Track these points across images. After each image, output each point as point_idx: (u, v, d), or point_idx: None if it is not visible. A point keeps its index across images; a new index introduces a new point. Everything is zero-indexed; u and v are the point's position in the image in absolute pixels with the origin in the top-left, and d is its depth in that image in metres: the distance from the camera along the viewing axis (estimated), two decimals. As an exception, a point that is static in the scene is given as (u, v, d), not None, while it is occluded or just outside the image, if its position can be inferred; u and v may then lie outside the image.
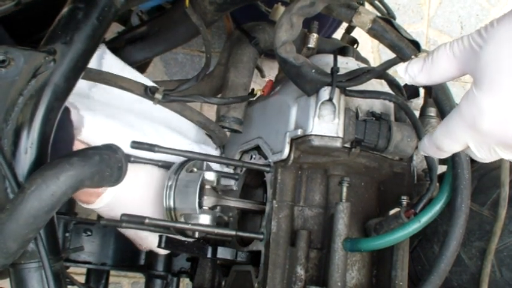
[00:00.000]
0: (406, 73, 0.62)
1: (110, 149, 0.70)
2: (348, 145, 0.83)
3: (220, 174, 0.94)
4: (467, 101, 0.53)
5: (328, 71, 0.85)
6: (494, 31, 0.51)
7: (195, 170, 0.92)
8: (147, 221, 0.85)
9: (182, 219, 0.90)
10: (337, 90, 0.83)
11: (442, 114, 0.80)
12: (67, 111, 0.81)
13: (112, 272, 1.36)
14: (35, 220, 0.63)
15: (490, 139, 0.53)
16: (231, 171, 1.02)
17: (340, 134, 0.82)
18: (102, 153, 0.69)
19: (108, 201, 0.90)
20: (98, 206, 0.90)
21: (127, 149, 0.86)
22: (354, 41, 1.12)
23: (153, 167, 0.96)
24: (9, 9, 0.85)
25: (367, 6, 0.99)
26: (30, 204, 0.62)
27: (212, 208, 0.91)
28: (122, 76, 0.90)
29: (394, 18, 0.98)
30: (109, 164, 0.69)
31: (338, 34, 1.60)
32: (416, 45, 0.81)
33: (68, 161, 0.65)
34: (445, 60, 0.57)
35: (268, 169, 0.91)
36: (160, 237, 0.86)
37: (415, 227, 0.79)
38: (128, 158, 0.91)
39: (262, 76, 1.41)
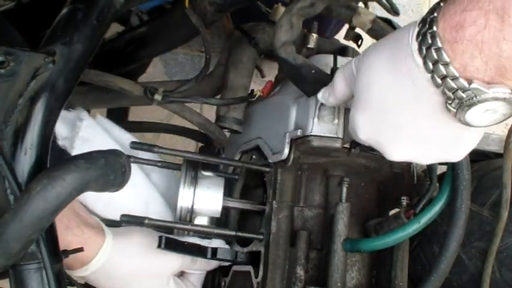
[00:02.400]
0: (322, 97, 0.74)
1: (114, 154, 0.70)
2: (347, 145, 0.83)
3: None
4: (350, 117, 0.64)
5: (328, 71, 0.85)
6: (363, 61, 0.60)
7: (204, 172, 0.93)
8: (147, 221, 0.85)
9: (199, 221, 0.90)
10: (337, 91, 0.83)
11: None
12: None
13: (112, 272, 1.36)
14: (40, 221, 0.63)
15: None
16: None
17: (340, 135, 0.82)
18: (107, 157, 0.69)
19: (95, 269, 0.81)
20: (82, 273, 0.82)
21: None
22: (358, 37, 1.11)
23: (150, 231, 0.89)
24: (9, 9, 0.85)
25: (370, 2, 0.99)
26: (36, 204, 0.62)
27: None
28: (121, 78, 0.90)
29: (398, 14, 0.98)
30: (114, 168, 0.69)
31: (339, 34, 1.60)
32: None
33: (74, 163, 0.65)
34: (340, 83, 0.68)
35: (268, 169, 0.91)
36: (160, 237, 0.86)
37: (414, 227, 0.79)
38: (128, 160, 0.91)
39: (262, 76, 1.42)
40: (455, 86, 0.51)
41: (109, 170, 0.68)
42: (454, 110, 0.53)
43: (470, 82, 0.50)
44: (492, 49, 0.47)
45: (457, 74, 0.50)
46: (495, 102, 0.50)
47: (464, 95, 0.51)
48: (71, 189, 0.64)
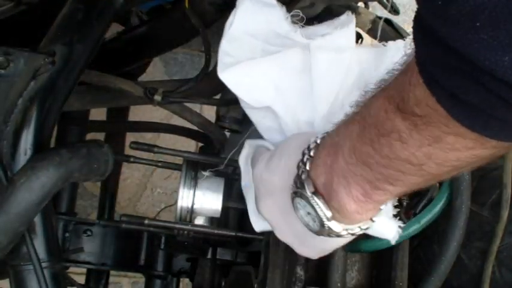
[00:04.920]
0: None
1: (96, 144, 0.71)
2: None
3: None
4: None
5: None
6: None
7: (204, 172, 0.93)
8: (146, 221, 0.85)
9: (199, 221, 0.90)
10: (337, 91, 0.83)
11: None
12: None
13: (112, 272, 1.37)
14: (26, 212, 0.63)
15: None
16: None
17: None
18: (89, 146, 0.69)
19: None
20: None
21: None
22: (359, 36, 1.11)
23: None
24: (9, 9, 0.85)
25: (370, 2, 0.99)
26: (21, 196, 0.62)
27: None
28: (121, 78, 0.90)
29: (398, 13, 0.98)
30: (96, 157, 0.70)
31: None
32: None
33: (57, 153, 0.65)
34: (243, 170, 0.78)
35: (268, 169, 0.91)
36: (160, 237, 0.86)
37: (414, 227, 0.79)
38: (127, 159, 0.91)
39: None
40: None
41: (92, 159, 0.69)
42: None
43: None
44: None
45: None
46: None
47: None
48: (56, 178, 0.64)
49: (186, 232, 0.91)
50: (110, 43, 1.11)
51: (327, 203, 0.55)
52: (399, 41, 0.77)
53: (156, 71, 1.99)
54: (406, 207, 0.82)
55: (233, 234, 0.90)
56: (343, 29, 0.73)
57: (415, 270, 0.94)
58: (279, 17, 0.71)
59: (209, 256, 0.92)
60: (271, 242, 0.86)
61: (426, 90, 0.39)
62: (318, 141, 0.58)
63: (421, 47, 0.39)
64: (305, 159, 0.58)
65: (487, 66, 0.33)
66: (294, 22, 0.74)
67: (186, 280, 1.32)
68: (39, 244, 0.69)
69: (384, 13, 0.99)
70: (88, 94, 1.04)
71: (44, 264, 0.68)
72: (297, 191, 0.58)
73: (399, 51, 0.72)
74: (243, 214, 1.02)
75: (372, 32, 0.90)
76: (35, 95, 0.68)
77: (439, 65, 0.37)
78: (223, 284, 1.03)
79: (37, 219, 0.69)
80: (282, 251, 0.87)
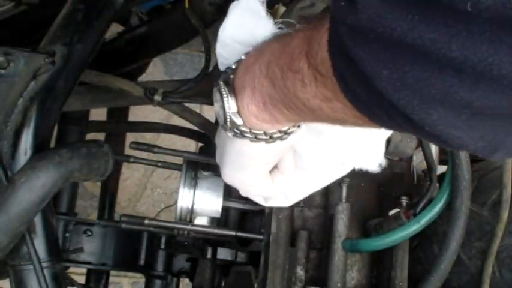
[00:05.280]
0: None
1: (97, 143, 0.71)
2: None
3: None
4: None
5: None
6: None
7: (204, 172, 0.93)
8: (146, 221, 0.85)
9: (199, 221, 0.90)
10: (337, 91, 0.83)
11: None
12: None
13: (112, 272, 1.37)
14: (26, 212, 0.63)
15: None
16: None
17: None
18: (89, 146, 0.69)
19: None
20: None
21: None
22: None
23: None
24: (9, 9, 0.85)
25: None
26: (21, 195, 0.62)
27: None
28: (121, 78, 0.90)
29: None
30: (96, 156, 0.70)
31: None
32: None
33: (57, 152, 0.65)
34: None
35: (268, 169, 0.91)
36: (160, 237, 0.86)
37: (414, 227, 0.79)
38: (127, 159, 0.91)
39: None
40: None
41: (92, 158, 0.69)
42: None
43: None
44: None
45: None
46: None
47: None
48: (56, 178, 0.64)
49: (186, 232, 0.91)
50: (110, 43, 1.11)
51: (234, 97, 0.58)
52: None
53: (156, 71, 1.99)
54: (406, 207, 0.82)
55: (233, 234, 0.90)
56: None
57: (415, 270, 0.94)
58: (265, 28, 0.73)
59: (209, 256, 0.92)
60: (271, 242, 0.87)
61: (328, 58, 0.42)
62: (251, 50, 0.60)
63: (331, 27, 0.42)
64: (235, 63, 0.61)
65: (367, 73, 0.37)
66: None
67: (186, 280, 1.32)
68: (39, 244, 0.69)
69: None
70: (88, 94, 1.04)
71: (44, 264, 0.68)
72: (216, 82, 0.61)
73: None
74: (243, 214, 1.02)
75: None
76: (35, 95, 0.68)
77: (338, 49, 0.40)
78: (223, 284, 1.03)
79: (37, 219, 0.69)
80: (282, 251, 0.87)
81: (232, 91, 0.58)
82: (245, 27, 0.73)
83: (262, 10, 0.73)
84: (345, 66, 0.40)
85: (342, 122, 0.49)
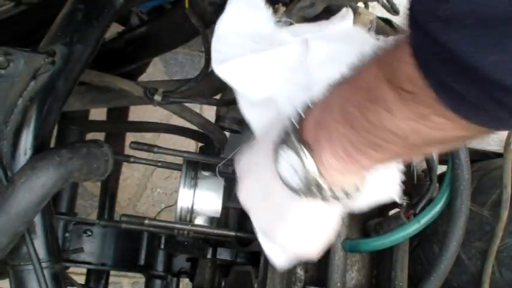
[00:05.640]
0: None
1: (96, 143, 0.71)
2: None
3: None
4: None
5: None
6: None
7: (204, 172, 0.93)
8: (146, 221, 0.85)
9: (199, 221, 0.90)
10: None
11: None
12: None
13: (112, 272, 1.36)
14: (26, 212, 0.63)
15: None
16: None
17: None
18: (89, 146, 0.69)
19: None
20: None
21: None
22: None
23: None
24: (9, 9, 0.85)
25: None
26: (21, 196, 0.62)
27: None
28: (121, 78, 0.90)
29: (398, 13, 0.98)
30: (96, 156, 0.70)
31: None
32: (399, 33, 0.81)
33: (57, 152, 0.65)
34: None
35: (268, 169, 0.91)
36: (160, 237, 0.86)
37: (414, 227, 0.79)
38: (127, 159, 0.91)
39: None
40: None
41: (92, 159, 0.68)
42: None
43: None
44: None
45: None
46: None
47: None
48: (56, 178, 0.64)
49: (186, 232, 0.91)
50: (110, 43, 1.11)
51: (312, 156, 0.53)
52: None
53: (156, 71, 1.99)
54: (406, 207, 0.82)
55: (233, 234, 0.90)
56: (341, 22, 0.73)
57: (415, 270, 0.94)
58: (263, 19, 0.72)
59: (209, 256, 0.92)
60: (271, 242, 0.86)
61: (416, 71, 0.39)
62: (309, 104, 0.57)
63: (414, 34, 0.39)
64: (294, 118, 0.56)
65: (473, 64, 0.34)
66: (286, 22, 0.75)
67: (186, 280, 1.32)
68: (39, 244, 0.69)
69: (384, 13, 0.99)
70: (88, 94, 1.04)
71: (44, 264, 0.68)
72: (283, 139, 0.56)
73: None
74: (243, 214, 1.02)
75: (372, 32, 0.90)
76: (35, 95, 0.68)
77: (430, 53, 0.38)
78: (223, 284, 1.03)
79: (37, 219, 0.69)
80: (282, 251, 0.87)
81: (308, 148, 0.53)
82: (243, 18, 0.72)
83: (260, 1, 0.72)
84: (442, 68, 0.37)
85: (440, 140, 0.45)
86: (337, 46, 0.72)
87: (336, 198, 0.55)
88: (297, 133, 0.55)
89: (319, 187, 0.54)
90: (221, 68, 0.74)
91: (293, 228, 0.61)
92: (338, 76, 0.53)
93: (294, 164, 0.55)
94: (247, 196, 0.64)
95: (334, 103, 0.51)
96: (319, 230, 0.63)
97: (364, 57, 0.49)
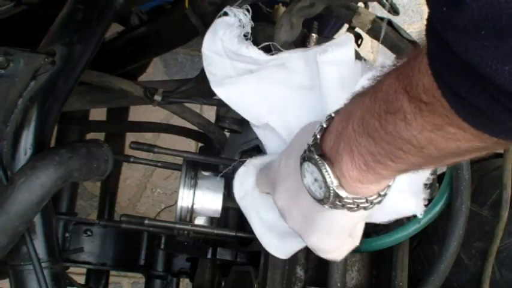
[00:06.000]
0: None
1: (96, 143, 0.71)
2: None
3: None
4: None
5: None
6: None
7: (204, 172, 0.93)
8: (146, 221, 0.85)
9: (199, 221, 0.90)
10: (337, 91, 0.83)
11: None
12: None
13: (112, 272, 1.37)
14: (26, 212, 0.63)
15: None
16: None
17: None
18: (89, 146, 0.69)
19: None
20: None
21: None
22: (358, 36, 1.11)
23: None
24: (9, 9, 0.85)
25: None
26: (21, 195, 0.62)
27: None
28: (121, 78, 0.90)
29: (398, 13, 0.98)
30: (96, 156, 0.70)
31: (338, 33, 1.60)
32: (415, 46, 0.81)
33: (57, 152, 0.65)
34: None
35: (268, 169, 0.91)
36: (160, 237, 0.86)
37: (414, 227, 0.79)
38: (127, 159, 0.91)
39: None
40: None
41: (92, 159, 0.68)
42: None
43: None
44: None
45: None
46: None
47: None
48: (56, 178, 0.64)
49: (186, 232, 0.91)
50: (110, 43, 1.11)
51: (333, 167, 0.55)
52: None
53: (156, 71, 1.99)
54: (406, 207, 0.82)
55: (233, 234, 0.90)
56: (343, 47, 0.74)
57: (415, 270, 0.94)
58: (230, 35, 0.74)
59: (209, 256, 0.92)
60: (271, 242, 0.86)
61: (433, 81, 0.40)
62: (332, 115, 0.58)
63: (431, 44, 0.40)
64: (317, 131, 0.59)
65: (488, 74, 0.34)
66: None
67: (186, 280, 1.32)
68: (39, 244, 0.69)
69: (384, 13, 0.99)
70: (88, 94, 1.04)
71: (44, 264, 0.68)
72: (305, 155, 0.59)
73: None
74: (243, 214, 1.02)
75: (372, 32, 0.90)
76: (35, 95, 0.68)
77: (446, 64, 0.38)
78: (223, 284, 1.03)
79: (37, 219, 0.69)
80: (282, 251, 0.87)
81: (329, 162, 0.56)
82: (216, 37, 0.75)
83: (236, 21, 0.74)
84: (456, 77, 0.38)
85: (455, 151, 0.45)
86: (350, 71, 0.74)
87: (359, 207, 0.57)
88: (318, 147, 0.57)
89: (340, 198, 0.56)
90: (219, 91, 0.78)
91: (321, 234, 0.64)
92: (353, 92, 0.56)
93: (317, 177, 0.57)
94: (282, 198, 0.67)
95: (355, 114, 0.52)
96: (344, 236, 0.66)
97: (384, 69, 0.51)
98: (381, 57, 0.75)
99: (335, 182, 0.55)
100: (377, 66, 0.76)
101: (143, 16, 1.21)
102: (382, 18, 0.87)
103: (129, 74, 1.15)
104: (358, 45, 1.07)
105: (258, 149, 0.98)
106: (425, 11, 2.30)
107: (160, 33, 1.09)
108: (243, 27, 0.77)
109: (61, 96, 0.71)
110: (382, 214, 0.70)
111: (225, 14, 0.77)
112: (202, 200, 0.90)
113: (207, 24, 0.97)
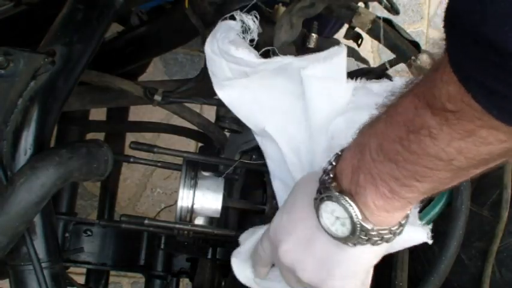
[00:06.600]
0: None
1: (96, 143, 0.71)
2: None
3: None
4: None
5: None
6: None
7: (204, 172, 0.93)
8: (146, 221, 0.85)
9: (199, 221, 0.90)
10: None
11: None
12: None
13: (112, 272, 1.37)
14: (26, 212, 0.63)
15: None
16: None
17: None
18: (88, 146, 0.69)
19: None
20: None
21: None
22: (358, 36, 1.11)
23: None
24: (9, 9, 0.85)
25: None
26: (21, 196, 0.62)
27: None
28: (121, 78, 0.90)
29: (398, 13, 0.98)
30: (96, 156, 0.70)
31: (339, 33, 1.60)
32: (416, 46, 0.81)
33: (57, 152, 0.65)
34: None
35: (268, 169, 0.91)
36: (160, 237, 0.86)
37: (414, 227, 0.79)
38: (127, 159, 0.91)
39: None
40: None
41: (91, 159, 0.69)
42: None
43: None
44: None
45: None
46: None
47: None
48: (55, 178, 0.64)
49: (186, 232, 0.91)
50: (110, 43, 1.11)
51: (355, 201, 0.54)
52: (397, 79, 0.78)
53: (156, 71, 1.99)
54: (406, 207, 0.82)
55: (233, 234, 0.90)
56: (334, 59, 0.73)
57: (415, 270, 0.94)
58: (225, 36, 0.74)
59: (209, 256, 0.92)
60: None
61: (460, 87, 0.40)
62: (339, 153, 0.58)
63: (455, 45, 0.39)
64: (328, 169, 0.58)
65: None
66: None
67: (186, 280, 1.32)
68: (39, 244, 0.69)
69: (384, 13, 0.99)
70: (88, 94, 1.04)
71: (44, 264, 0.68)
72: (322, 196, 0.57)
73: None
74: (243, 214, 1.02)
75: (372, 32, 0.90)
76: (35, 95, 0.68)
77: (476, 61, 0.37)
78: (223, 284, 1.03)
79: (37, 219, 0.69)
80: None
81: (350, 197, 0.54)
82: (213, 38, 0.75)
83: (236, 24, 0.74)
84: (489, 74, 0.37)
85: (486, 157, 0.44)
86: (336, 87, 0.73)
87: (383, 239, 0.57)
88: (335, 184, 0.56)
89: (366, 231, 0.55)
90: (221, 93, 0.78)
91: (341, 277, 0.62)
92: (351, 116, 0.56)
93: (339, 215, 0.56)
94: (290, 254, 0.64)
95: (371, 144, 0.52)
96: (364, 272, 0.64)
97: (393, 94, 0.50)
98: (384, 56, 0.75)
99: (360, 216, 0.54)
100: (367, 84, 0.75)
101: (143, 16, 1.21)
102: (381, 18, 0.87)
103: (129, 74, 1.15)
104: (358, 45, 1.07)
105: (258, 149, 0.98)
106: (425, 10, 2.30)
107: (160, 33, 1.09)
108: (247, 31, 0.77)
109: (61, 96, 0.71)
110: (395, 245, 0.68)
111: (233, 17, 0.77)
112: (202, 200, 0.90)
113: (207, 24, 0.97)
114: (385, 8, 0.98)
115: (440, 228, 0.89)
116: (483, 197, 0.92)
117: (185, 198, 0.90)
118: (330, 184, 0.56)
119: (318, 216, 0.58)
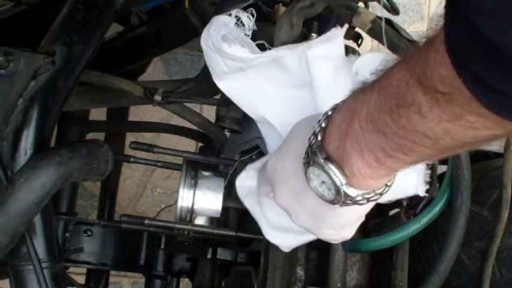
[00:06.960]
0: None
1: (96, 143, 0.71)
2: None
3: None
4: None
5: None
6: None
7: (204, 172, 0.93)
8: (146, 221, 0.85)
9: (199, 221, 0.90)
10: (337, 91, 0.83)
11: None
12: None
13: (112, 272, 1.37)
14: (26, 212, 0.63)
15: None
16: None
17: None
18: (88, 146, 0.69)
19: None
20: None
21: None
22: (358, 36, 1.11)
23: None
24: (9, 9, 0.85)
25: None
26: (21, 195, 0.62)
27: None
28: (121, 78, 0.90)
29: (398, 13, 0.98)
30: (96, 156, 0.70)
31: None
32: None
33: (57, 152, 0.65)
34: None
35: (268, 169, 0.91)
36: (160, 237, 0.86)
37: (415, 227, 0.79)
38: (127, 159, 0.91)
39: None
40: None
41: (91, 158, 0.68)
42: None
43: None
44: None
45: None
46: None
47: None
48: (56, 178, 0.64)
49: (186, 232, 0.91)
50: (110, 43, 1.11)
51: (340, 168, 0.55)
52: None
53: (156, 71, 1.99)
54: (406, 207, 0.82)
55: (233, 234, 0.90)
56: (332, 41, 0.74)
57: (415, 270, 0.94)
58: (218, 33, 0.75)
59: (209, 256, 0.92)
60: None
61: (452, 69, 0.40)
62: (330, 113, 0.58)
63: (452, 30, 0.39)
64: (316, 131, 0.58)
65: None
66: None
67: (186, 280, 1.32)
68: (39, 244, 0.69)
69: (384, 13, 0.99)
70: (88, 94, 1.04)
71: (44, 264, 0.68)
72: (309, 160, 0.58)
73: None
74: (243, 214, 1.02)
75: (372, 32, 0.90)
76: (35, 95, 0.68)
77: (469, 49, 0.38)
78: (223, 284, 1.03)
79: (37, 219, 0.69)
80: (282, 251, 0.87)
81: (335, 164, 0.55)
82: (206, 34, 0.75)
83: (230, 19, 0.75)
84: (482, 63, 0.37)
85: (471, 140, 0.45)
86: (343, 65, 0.74)
87: (369, 200, 0.58)
88: (322, 149, 0.57)
89: (351, 197, 0.56)
90: (220, 84, 0.78)
91: (334, 228, 0.65)
92: (357, 84, 0.55)
93: (324, 180, 0.57)
94: (284, 200, 0.66)
95: (360, 111, 0.52)
96: (355, 223, 0.67)
97: (388, 64, 0.50)
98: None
99: (344, 183, 0.55)
100: (369, 57, 0.76)
101: (143, 16, 1.21)
102: (381, 18, 0.87)
103: (129, 74, 1.15)
104: (358, 45, 1.07)
105: (258, 149, 0.98)
106: (425, 10, 2.30)
107: (160, 33, 1.09)
108: (241, 27, 0.77)
109: (61, 96, 0.71)
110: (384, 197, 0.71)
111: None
112: (202, 200, 0.90)
113: (207, 24, 0.97)
114: (385, 8, 0.98)
115: (440, 228, 0.89)
116: (483, 197, 0.92)
117: (185, 198, 0.90)
118: (317, 148, 0.57)
119: (306, 178, 0.60)
